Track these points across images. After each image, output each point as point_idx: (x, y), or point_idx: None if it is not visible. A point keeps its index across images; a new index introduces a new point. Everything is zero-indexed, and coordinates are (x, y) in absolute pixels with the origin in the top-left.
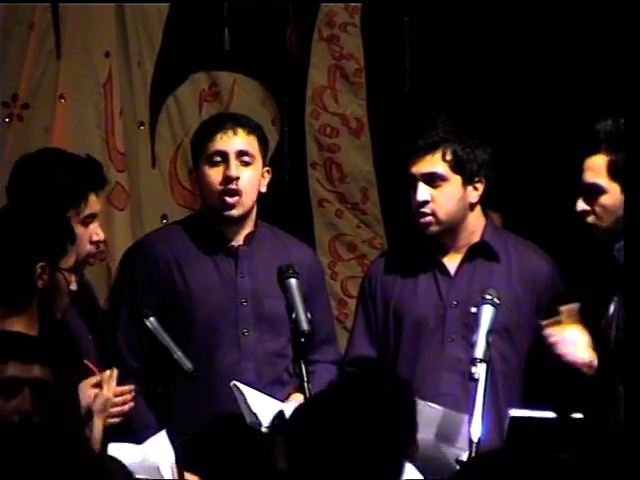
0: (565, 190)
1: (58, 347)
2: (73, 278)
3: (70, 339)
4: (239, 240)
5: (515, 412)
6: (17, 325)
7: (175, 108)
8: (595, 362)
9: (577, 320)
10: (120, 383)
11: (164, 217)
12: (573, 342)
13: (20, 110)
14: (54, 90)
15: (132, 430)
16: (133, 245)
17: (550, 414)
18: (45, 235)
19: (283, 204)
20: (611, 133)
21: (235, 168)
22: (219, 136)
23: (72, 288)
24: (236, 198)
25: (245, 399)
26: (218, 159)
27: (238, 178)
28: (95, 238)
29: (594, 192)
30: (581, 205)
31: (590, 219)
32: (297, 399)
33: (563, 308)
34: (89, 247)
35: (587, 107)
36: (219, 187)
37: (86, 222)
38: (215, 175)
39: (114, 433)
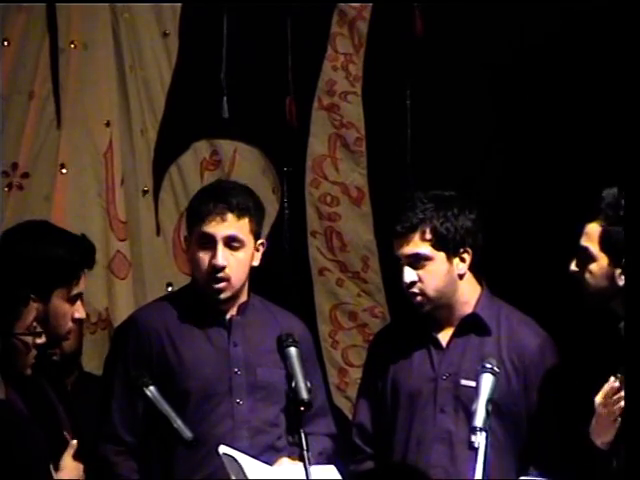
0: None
1: (34, 408)
2: (31, 339)
3: (46, 403)
4: (232, 311)
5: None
6: None
7: (178, 176)
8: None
9: None
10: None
11: (169, 285)
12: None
13: (20, 179)
14: (54, 159)
15: None
16: (126, 321)
17: None
18: None
19: (283, 273)
20: (610, 204)
21: (222, 256)
22: (208, 219)
23: (78, 316)
24: (223, 284)
25: (239, 466)
26: (206, 242)
27: (224, 267)
28: (77, 315)
29: (586, 257)
30: (573, 267)
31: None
32: (285, 462)
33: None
34: (70, 325)
35: (591, 173)
36: (208, 270)
37: (73, 300)
38: (204, 258)
39: None
